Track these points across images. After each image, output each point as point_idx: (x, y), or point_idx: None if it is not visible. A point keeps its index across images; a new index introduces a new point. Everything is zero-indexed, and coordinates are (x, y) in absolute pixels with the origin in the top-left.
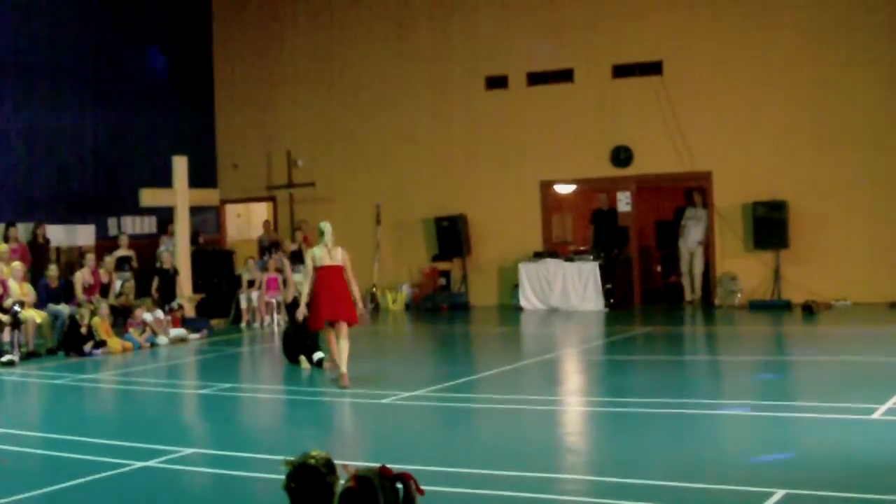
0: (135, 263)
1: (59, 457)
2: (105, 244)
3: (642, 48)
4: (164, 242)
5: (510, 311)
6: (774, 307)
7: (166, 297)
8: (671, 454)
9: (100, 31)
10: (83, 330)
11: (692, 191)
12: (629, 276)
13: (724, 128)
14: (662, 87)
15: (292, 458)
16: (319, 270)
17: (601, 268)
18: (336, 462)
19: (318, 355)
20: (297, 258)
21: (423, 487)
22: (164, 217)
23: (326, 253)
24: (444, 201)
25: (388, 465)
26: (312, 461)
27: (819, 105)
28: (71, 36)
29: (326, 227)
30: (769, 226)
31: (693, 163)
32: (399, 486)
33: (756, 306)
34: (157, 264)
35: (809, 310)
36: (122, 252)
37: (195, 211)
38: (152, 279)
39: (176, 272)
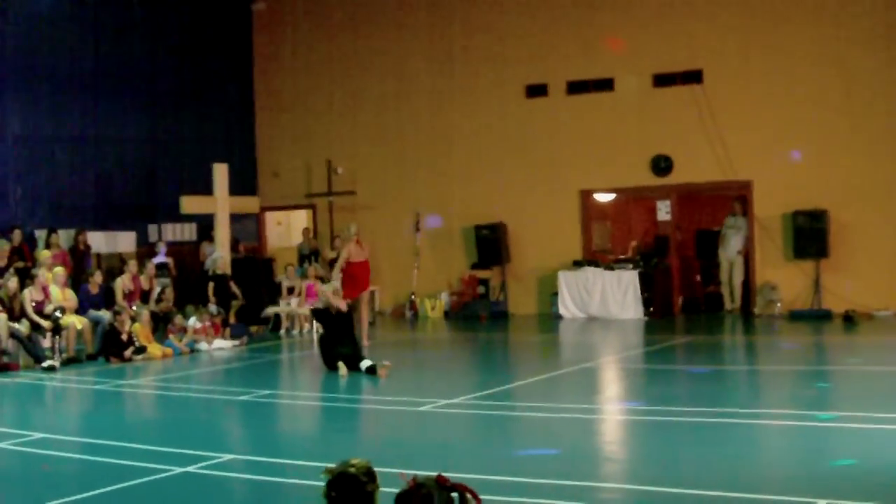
0: (173, 270)
1: (99, 462)
2: (145, 251)
3: (682, 57)
4: (208, 248)
5: (549, 319)
6: (814, 317)
7: (222, 302)
8: (711, 463)
9: (141, 40)
10: (123, 336)
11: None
12: (669, 284)
13: (764, 137)
14: (703, 96)
15: (332, 466)
16: (353, 265)
17: (640, 276)
18: (384, 470)
19: (365, 363)
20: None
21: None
22: (205, 224)
23: (359, 250)
24: (483, 209)
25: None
26: (352, 469)
27: (860, 114)
28: (112, 45)
29: (354, 226)
30: (809, 235)
31: (733, 172)
32: (454, 495)
33: (796, 316)
34: (210, 271)
35: (850, 319)
36: (159, 259)
37: (235, 218)
38: (207, 285)
39: (230, 277)
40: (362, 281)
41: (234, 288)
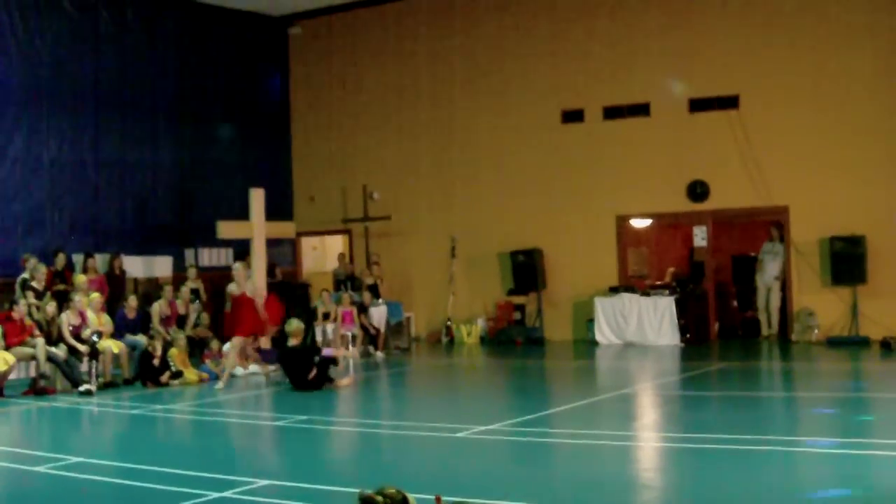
0: (203, 295)
1: (135, 486)
2: (182, 276)
3: (719, 82)
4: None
5: (585, 345)
6: (852, 343)
7: None
8: (748, 491)
9: (177, 64)
10: (155, 361)
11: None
12: (705, 310)
13: (801, 162)
14: (739, 121)
15: (368, 492)
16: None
17: (677, 303)
18: (420, 496)
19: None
20: (373, 292)
21: None
22: (241, 249)
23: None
24: (519, 235)
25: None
26: (380, 499)
27: None
28: (148, 69)
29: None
30: (847, 261)
31: (770, 197)
32: None
33: (833, 342)
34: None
35: (888, 346)
36: (190, 284)
37: (271, 243)
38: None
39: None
40: (245, 321)
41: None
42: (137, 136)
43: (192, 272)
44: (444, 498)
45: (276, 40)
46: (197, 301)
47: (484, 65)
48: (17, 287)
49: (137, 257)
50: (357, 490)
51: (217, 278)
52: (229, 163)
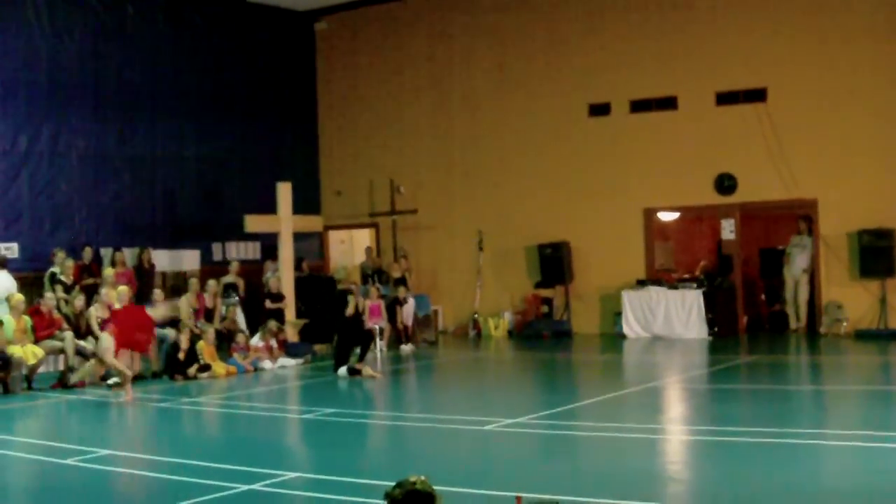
0: (241, 292)
1: (163, 479)
2: (209, 269)
3: (746, 75)
4: (270, 268)
5: (612, 338)
6: (881, 336)
7: (278, 321)
8: (775, 484)
9: (203, 59)
10: (181, 355)
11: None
12: (733, 304)
13: (829, 155)
14: (766, 114)
15: (393, 489)
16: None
17: (705, 296)
18: (450, 489)
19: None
20: (401, 285)
21: None
22: (269, 243)
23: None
24: (546, 228)
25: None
26: (419, 486)
27: None
28: (175, 64)
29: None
30: (875, 254)
31: (798, 190)
32: None
33: (862, 335)
34: (266, 290)
35: None
36: (229, 278)
37: (298, 237)
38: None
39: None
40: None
41: (286, 311)
42: (165, 131)
43: (234, 266)
44: (524, 495)
45: (302, 34)
46: (235, 296)
47: (511, 58)
48: (46, 281)
49: (165, 251)
50: (386, 483)
51: (245, 272)
52: (257, 157)
